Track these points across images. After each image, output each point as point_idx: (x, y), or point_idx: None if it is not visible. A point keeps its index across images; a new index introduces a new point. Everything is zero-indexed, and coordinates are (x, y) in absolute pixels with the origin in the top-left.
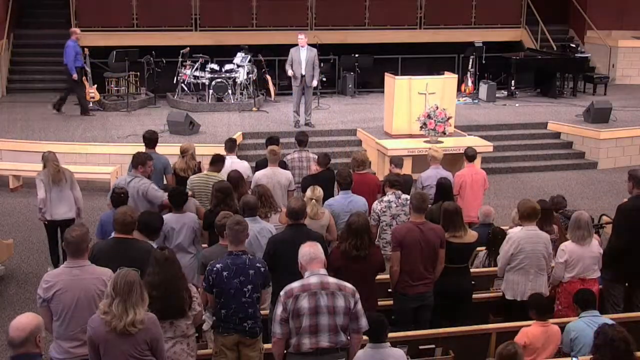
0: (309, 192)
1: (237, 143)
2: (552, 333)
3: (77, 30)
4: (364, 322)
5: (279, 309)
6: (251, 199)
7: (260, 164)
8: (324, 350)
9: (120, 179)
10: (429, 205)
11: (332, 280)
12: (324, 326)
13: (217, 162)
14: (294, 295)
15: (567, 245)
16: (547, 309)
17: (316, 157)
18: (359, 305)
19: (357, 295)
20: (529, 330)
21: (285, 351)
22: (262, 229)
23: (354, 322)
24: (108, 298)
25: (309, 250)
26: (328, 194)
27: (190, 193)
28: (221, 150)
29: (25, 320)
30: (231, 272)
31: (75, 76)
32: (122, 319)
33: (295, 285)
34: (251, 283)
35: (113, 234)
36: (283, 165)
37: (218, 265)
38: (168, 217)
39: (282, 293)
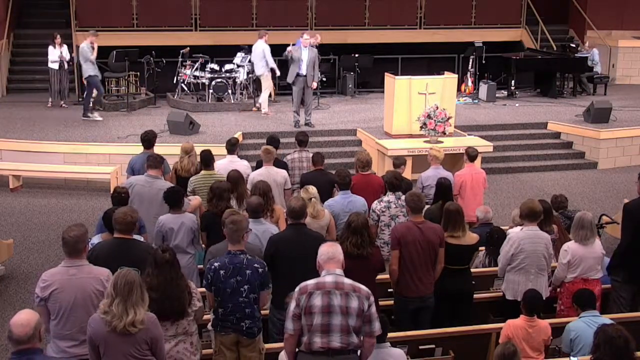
0: (303, 194)
1: (238, 144)
2: (537, 329)
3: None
4: (377, 326)
5: (292, 305)
6: (254, 201)
7: (261, 164)
8: (336, 350)
9: (138, 178)
10: (429, 205)
11: (347, 281)
12: (336, 326)
13: (208, 161)
14: (308, 292)
15: (570, 246)
16: (536, 307)
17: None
18: (373, 309)
19: (372, 299)
20: (512, 322)
21: (297, 350)
22: (265, 231)
23: (366, 325)
24: (108, 298)
25: (328, 250)
26: (328, 195)
27: (191, 194)
28: (221, 150)
29: (27, 317)
30: (228, 271)
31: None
32: (122, 319)
33: (311, 282)
34: (248, 283)
35: (100, 237)
36: (283, 165)
37: (216, 264)
38: (166, 218)
39: (296, 289)
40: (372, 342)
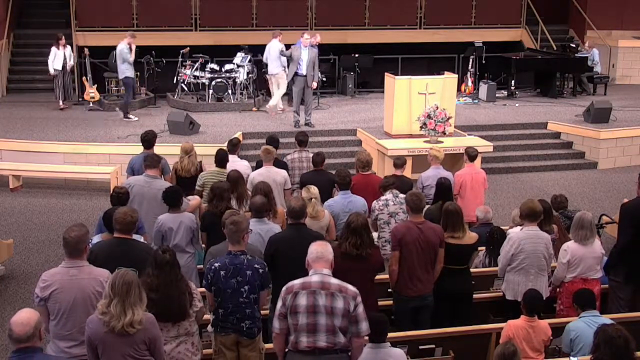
0: (304, 193)
1: (239, 144)
2: (538, 329)
3: None
4: (364, 326)
5: (278, 304)
6: (258, 200)
7: (261, 164)
8: (322, 350)
9: (137, 178)
10: (429, 205)
11: (334, 281)
12: (322, 326)
13: (223, 159)
14: (294, 291)
15: (570, 245)
16: (536, 307)
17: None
18: (360, 309)
19: (359, 299)
20: (513, 322)
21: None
22: (268, 231)
23: (353, 325)
24: (106, 298)
25: (317, 249)
26: (328, 195)
27: (200, 189)
28: None
29: (27, 315)
30: (228, 272)
31: None
32: (120, 319)
33: (297, 282)
34: (248, 284)
35: (100, 237)
36: (283, 165)
37: (216, 264)
38: (165, 217)
39: (283, 288)
40: (360, 343)
